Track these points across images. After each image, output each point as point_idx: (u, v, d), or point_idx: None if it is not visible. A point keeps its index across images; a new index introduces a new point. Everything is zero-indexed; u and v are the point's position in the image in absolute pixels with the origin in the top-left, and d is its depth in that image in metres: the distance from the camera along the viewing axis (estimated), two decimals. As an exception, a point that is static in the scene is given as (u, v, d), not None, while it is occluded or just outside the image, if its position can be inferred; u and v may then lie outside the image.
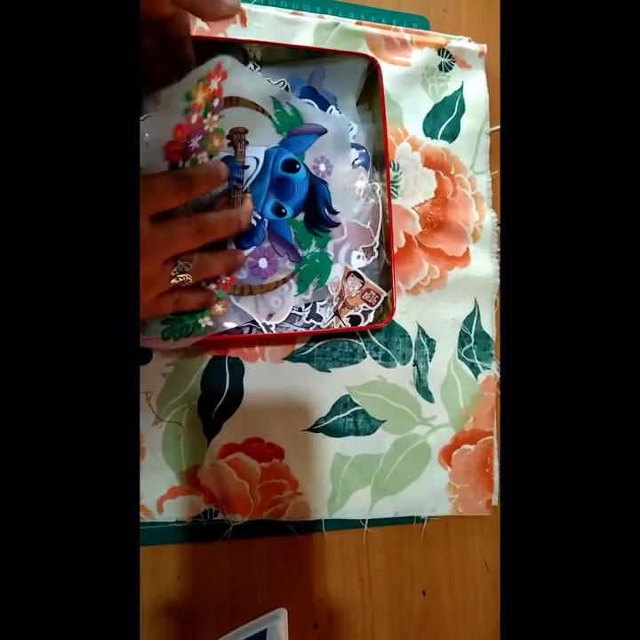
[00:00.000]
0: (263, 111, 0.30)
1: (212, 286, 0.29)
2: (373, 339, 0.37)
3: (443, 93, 0.40)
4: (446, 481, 0.37)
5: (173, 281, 0.26)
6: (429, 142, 0.39)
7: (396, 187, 0.38)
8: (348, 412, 0.36)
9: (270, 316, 0.32)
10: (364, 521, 0.36)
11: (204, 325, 0.29)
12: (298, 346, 0.35)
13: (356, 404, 0.36)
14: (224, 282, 0.30)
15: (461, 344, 0.39)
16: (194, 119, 0.26)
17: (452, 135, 0.40)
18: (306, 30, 0.37)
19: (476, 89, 0.40)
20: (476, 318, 0.39)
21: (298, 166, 0.30)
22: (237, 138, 0.30)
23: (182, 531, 0.34)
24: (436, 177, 0.39)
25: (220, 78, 0.27)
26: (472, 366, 0.39)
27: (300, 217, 0.31)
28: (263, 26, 0.36)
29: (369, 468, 0.36)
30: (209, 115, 0.27)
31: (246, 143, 0.30)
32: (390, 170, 0.38)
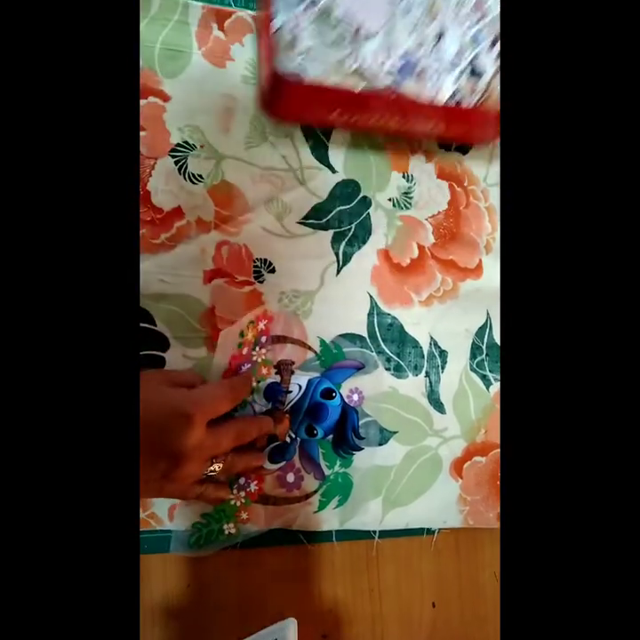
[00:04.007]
0: (310, 348, 0.35)
1: (242, 494, 0.33)
2: (385, 349, 0.37)
3: (457, 105, 0.40)
4: (457, 493, 0.37)
5: (205, 473, 0.29)
6: (443, 154, 0.39)
7: (410, 198, 0.38)
8: (360, 423, 0.36)
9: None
10: (374, 532, 0.36)
11: (227, 532, 0.32)
12: (310, 355, 0.35)
13: (368, 415, 0.36)
14: (252, 490, 0.33)
15: (473, 356, 0.39)
16: (245, 351, 0.33)
17: (465, 147, 0.40)
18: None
19: (490, 101, 0.40)
20: (488, 330, 0.39)
21: (334, 394, 0.34)
22: (284, 368, 0.34)
23: (193, 539, 0.33)
24: (449, 188, 0.39)
25: (266, 321, 0.34)
26: (484, 378, 0.39)
27: (330, 438, 0.35)
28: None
29: (380, 480, 0.36)
30: (257, 348, 0.33)
31: (292, 372, 0.34)
32: (404, 181, 0.38)
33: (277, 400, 0.33)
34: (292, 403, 0.34)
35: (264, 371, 0.33)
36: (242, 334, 0.33)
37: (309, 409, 0.34)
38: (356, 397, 0.35)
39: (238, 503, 0.33)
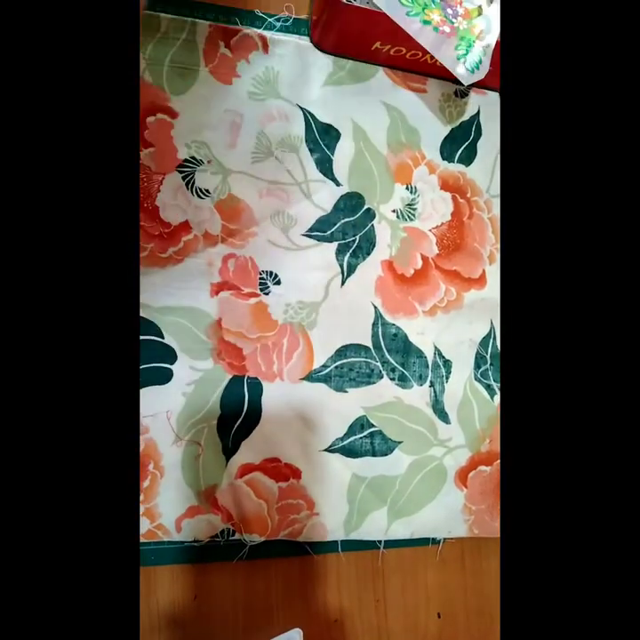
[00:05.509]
0: None
1: None
2: (390, 359, 0.37)
3: (460, 118, 0.40)
4: (462, 502, 0.37)
5: None
6: (446, 166, 0.40)
7: (414, 209, 0.39)
8: (365, 433, 0.36)
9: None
10: (379, 542, 0.36)
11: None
12: (315, 366, 0.36)
13: (373, 425, 0.36)
14: None
15: (477, 365, 0.39)
16: None
17: (468, 159, 0.40)
18: (325, 58, 0.38)
19: (492, 113, 0.41)
20: (491, 340, 0.39)
21: None
22: None
23: (200, 550, 0.34)
24: (452, 200, 0.40)
25: None
26: (488, 388, 0.39)
27: None
28: (284, 53, 0.37)
29: (385, 489, 0.36)
30: None
31: None
32: (407, 193, 0.39)
33: None
34: None
35: None
36: None
37: None
38: None
39: None
